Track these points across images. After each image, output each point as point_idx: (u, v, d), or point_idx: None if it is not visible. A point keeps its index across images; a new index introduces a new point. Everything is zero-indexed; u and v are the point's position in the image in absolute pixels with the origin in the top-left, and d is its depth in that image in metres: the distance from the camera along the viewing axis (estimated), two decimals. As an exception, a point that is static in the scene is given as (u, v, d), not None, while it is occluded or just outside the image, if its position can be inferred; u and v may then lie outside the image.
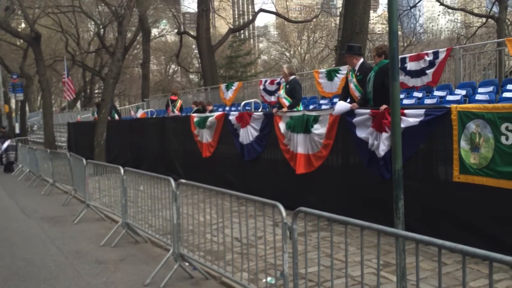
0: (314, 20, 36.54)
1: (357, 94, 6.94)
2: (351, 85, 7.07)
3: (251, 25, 44.23)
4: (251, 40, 62.49)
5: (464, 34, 31.44)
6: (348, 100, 7.12)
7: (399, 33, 40.34)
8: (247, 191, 9.33)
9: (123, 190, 7.04)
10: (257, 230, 5.29)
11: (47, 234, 7.98)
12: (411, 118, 5.83)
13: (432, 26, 57.74)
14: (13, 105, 35.87)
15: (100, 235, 7.56)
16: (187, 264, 5.55)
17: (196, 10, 23.00)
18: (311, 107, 12.30)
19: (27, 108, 40.18)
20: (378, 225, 3.02)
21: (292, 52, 54.36)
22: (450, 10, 31.75)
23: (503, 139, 4.80)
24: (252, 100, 13.99)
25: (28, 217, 9.49)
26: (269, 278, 4.65)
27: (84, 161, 9.01)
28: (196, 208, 5.70)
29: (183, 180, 5.32)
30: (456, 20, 41.47)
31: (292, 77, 8.79)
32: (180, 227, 5.42)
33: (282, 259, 3.64)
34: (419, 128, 5.76)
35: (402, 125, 5.88)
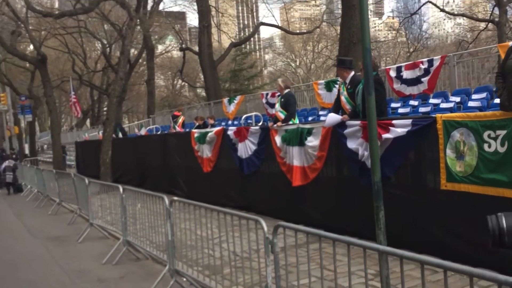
0: (318, 30, 36.79)
1: (348, 106, 7.06)
2: (342, 98, 7.19)
3: (256, 37, 44.67)
4: (256, 52, 62.83)
5: (467, 39, 31.46)
6: (340, 112, 7.23)
7: (404, 39, 40.47)
8: (248, 205, 9.51)
9: (122, 208, 7.20)
10: (254, 243, 5.38)
11: (51, 254, 8.15)
12: (399, 129, 5.91)
13: (438, 31, 57.76)
14: (24, 126, 36.46)
15: (103, 253, 7.68)
16: (184, 279, 5.65)
17: (198, 26, 23.30)
18: (310, 118, 12.42)
19: (37, 129, 40.80)
20: (362, 241, 3.11)
21: (297, 63, 54.67)
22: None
23: (485, 146, 4.88)
24: (253, 114, 14.15)
25: (34, 238, 9.68)
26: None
27: (87, 180, 9.19)
28: (197, 223, 5.78)
29: (175, 198, 5.46)
30: (461, 25, 41.49)
31: (287, 90, 8.92)
32: (174, 243, 5.54)
33: (266, 272, 3.75)
34: (407, 138, 5.84)
35: (391, 136, 6.01)
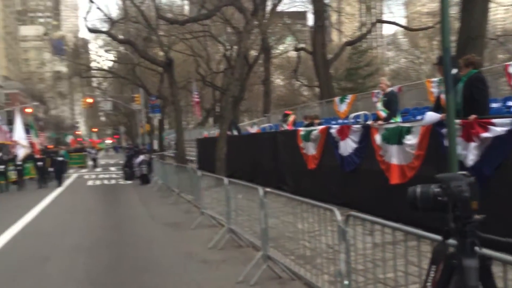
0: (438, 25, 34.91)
1: (447, 104, 6.90)
2: (442, 96, 7.03)
3: (378, 34, 43.65)
4: (377, 49, 61.24)
5: None
6: (440, 111, 7.09)
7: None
8: (348, 202, 9.67)
9: (226, 199, 7.87)
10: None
11: (167, 237, 9.16)
12: (499, 128, 5.72)
13: None
14: (155, 123, 39.97)
15: (210, 239, 8.43)
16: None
17: (313, 26, 23.65)
18: (418, 117, 12.09)
19: (166, 126, 44.35)
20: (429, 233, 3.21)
21: (422, 59, 52.25)
22: None
23: None
24: (362, 113, 14.13)
25: (155, 223, 10.88)
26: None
27: (199, 173, 10.09)
28: (296, 217, 6.06)
29: (268, 189, 5.90)
30: None
31: (390, 89, 8.91)
32: (267, 231, 5.98)
33: (340, 259, 4.02)
34: (507, 137, 5.63)
35: (490, 135, 5.83)
